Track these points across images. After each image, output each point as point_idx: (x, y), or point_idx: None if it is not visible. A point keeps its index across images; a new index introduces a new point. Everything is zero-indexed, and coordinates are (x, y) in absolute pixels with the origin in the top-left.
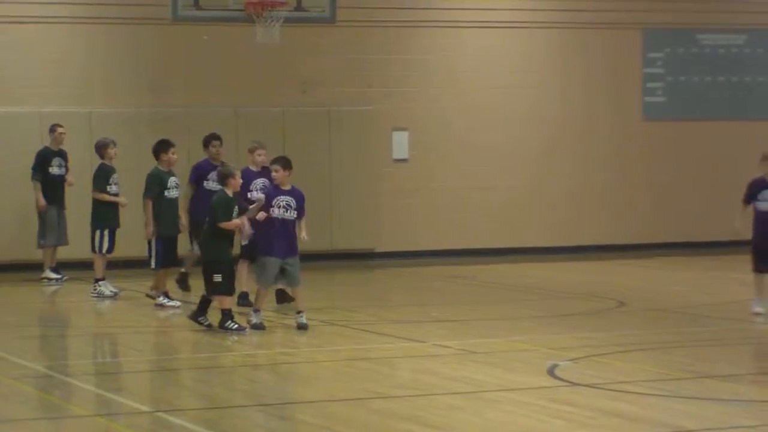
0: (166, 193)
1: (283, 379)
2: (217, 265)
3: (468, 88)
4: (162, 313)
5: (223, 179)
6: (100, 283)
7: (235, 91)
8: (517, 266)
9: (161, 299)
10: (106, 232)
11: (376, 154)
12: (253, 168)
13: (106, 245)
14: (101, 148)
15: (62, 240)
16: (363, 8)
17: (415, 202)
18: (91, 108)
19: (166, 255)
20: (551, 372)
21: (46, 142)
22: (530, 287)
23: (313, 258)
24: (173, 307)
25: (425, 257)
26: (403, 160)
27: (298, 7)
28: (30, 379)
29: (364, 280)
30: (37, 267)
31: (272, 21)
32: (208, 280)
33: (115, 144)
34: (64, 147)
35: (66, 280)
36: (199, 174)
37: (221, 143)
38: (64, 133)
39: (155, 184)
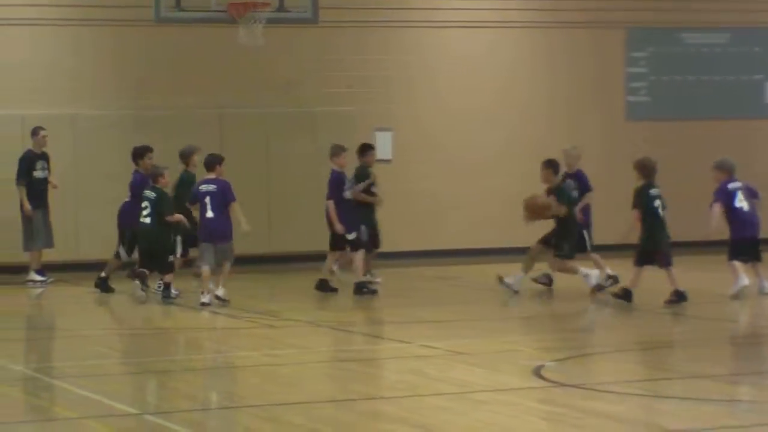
0: None
1: (268, 380)
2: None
3: (451, 89)
4: (146, 314)
5: (156, 177)
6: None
7: (218, 93)
8: (503, 267)
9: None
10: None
11: None
12: (339, 169)
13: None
14: (186, 156)
15: (48, 243)
16: (345, 9)
17: (399, 203)
18: (75, 110)
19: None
20: (537, 372)
21: (29, 145)
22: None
23: (298, 259)
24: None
25: (409, 258)
26: (386, 161)
27: (280, 8)
28: (16, 382)
29: (348, 281)
30: (21, 269)
31: (254, 22)
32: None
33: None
34: (47, 149)
35: (51, 282)
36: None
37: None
38: (47, 136)
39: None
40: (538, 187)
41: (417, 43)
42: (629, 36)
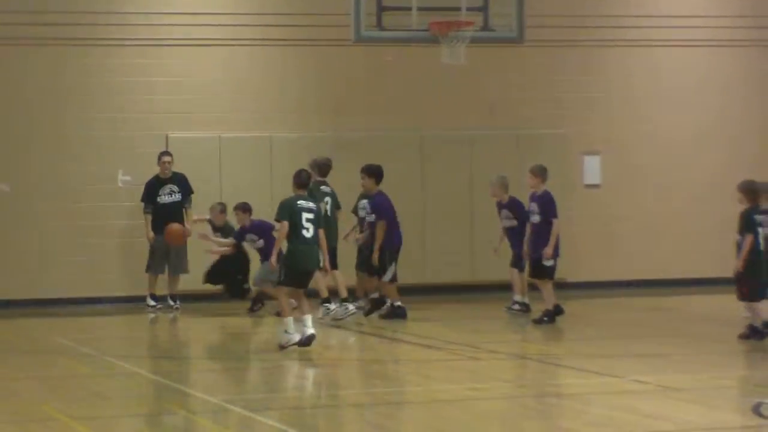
0: None
1: (472, 415)
2: None
3: (661, 110)
4: (343, 345)
5: None
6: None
7: (419, 114)
8: (719, 297)
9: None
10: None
11: (567, 178)
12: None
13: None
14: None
15: (179, 268)
16: (551, 27)
17: (608, 229)
18: (272, 132)
19: None
20: (756, 410)
21: (225, 166)
22: (732, 320)
23: (500, 288)
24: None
25: (620, 288)
26: (595, 186)
27: (485, 27)
28: (208, 414)
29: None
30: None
31: (458, 41)
32: None
33: None
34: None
35: (177, 309)
36: None
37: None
38: (169, 161)
39: None
40: None
41: (624, 63)
42: None
